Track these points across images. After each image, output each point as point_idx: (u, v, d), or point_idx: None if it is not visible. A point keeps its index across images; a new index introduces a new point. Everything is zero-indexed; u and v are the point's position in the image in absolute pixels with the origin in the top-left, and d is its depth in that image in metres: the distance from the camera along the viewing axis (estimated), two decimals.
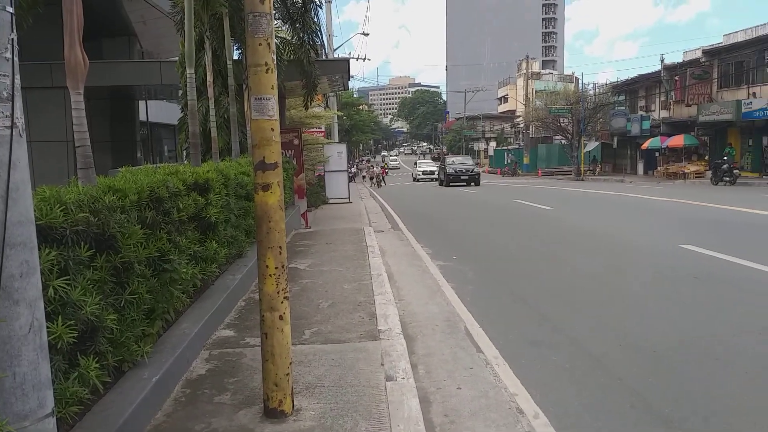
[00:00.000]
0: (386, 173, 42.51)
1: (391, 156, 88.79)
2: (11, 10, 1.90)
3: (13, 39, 1.90)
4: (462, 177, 30.27)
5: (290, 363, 3.16)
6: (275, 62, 3.20)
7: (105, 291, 2.96)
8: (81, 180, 3.74)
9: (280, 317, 3.13)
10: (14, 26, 1.91)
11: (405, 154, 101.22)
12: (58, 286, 2.45)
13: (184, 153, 10.21)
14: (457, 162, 32.87)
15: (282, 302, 3.14)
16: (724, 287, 6.16)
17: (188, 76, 7.11)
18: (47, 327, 2.06)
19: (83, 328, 2.63)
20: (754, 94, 26.90)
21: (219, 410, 3.21)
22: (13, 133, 1.86)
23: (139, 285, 3.29)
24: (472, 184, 29.98)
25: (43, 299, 1.99)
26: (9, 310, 1.85)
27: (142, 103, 18.74)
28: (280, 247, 3.16)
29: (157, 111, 20.34)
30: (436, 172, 37.65)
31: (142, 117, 19.04)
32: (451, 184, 30.06)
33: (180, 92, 9.90)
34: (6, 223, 1.82)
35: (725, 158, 24.18)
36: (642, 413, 3.39)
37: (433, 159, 62.85)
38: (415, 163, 51.91)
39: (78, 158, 3.95)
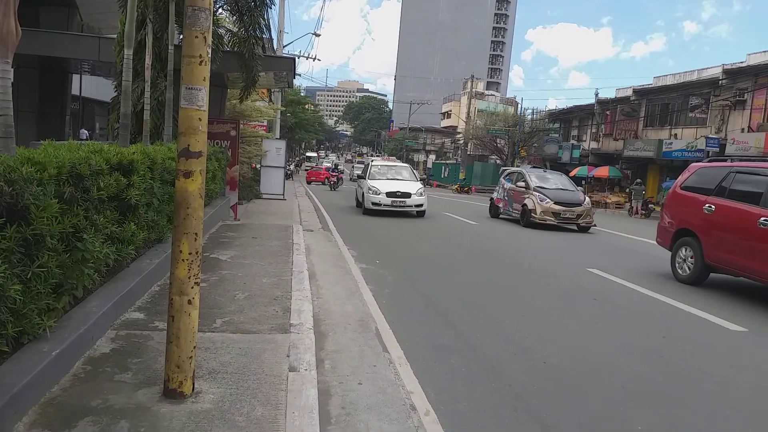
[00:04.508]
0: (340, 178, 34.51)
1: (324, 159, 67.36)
2: None
3: None
4: (568, 214, 15.42)
5: (194, 347, 3.26)
6: (209, 55, 3.31)
7: (12, 261, 2.96)
8: None
9: (189, 302, 3.22)
10: None
11: (347, 161, 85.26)
12: None
13: (115, 133, 9.95)
14: (552, 184, 16.63)
15: (192, 287, 3.23)
16: (618, 308, 6.72)
17: (126, 56, 7.00)
18: None
19: None
20: (675, 135, 28.97)
21: (118, 388, 3.26)
22: None
23: (50, 259, 3.29)
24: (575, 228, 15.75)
25: None
26: None
27: (76, 77, 17.98)
28: (196, 234, 3.27)
29: (92, 86, 19.58)
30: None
31: (75, 91, 18.28)
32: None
33: (117, 70, 9.66)
34: None
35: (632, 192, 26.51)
36: (523, 416, 3.71)
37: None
38: (359, 174, 20.26)
39: None
